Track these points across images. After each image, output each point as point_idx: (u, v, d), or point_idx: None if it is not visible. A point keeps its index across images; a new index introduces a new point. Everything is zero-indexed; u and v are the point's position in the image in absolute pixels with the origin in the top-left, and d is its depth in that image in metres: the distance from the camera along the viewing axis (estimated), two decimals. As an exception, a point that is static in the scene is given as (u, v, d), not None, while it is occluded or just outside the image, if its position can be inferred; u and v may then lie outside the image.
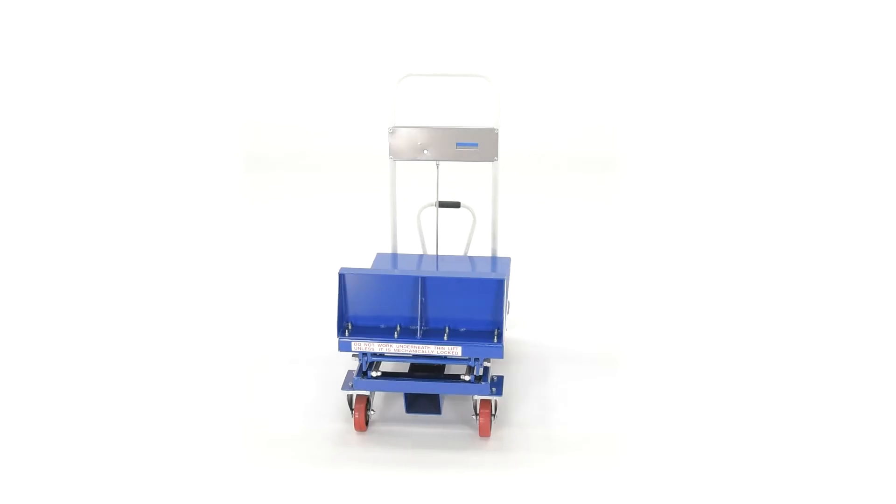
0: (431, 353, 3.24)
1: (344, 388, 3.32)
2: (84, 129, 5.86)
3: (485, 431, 3.31)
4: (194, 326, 4.17)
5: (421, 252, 3.99)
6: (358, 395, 3.31)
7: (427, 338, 3.23)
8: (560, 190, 5.86)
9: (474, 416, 3.35)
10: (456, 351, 3.20)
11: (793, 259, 4.81)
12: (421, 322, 3.24)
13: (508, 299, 3.78)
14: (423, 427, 3.43)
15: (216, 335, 4.12)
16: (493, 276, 3.19)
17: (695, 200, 5.68)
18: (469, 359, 3.24)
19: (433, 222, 4.04)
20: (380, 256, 3.94)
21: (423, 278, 3.19)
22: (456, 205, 3.85)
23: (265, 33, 6.87)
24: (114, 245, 4.92)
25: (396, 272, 3.27)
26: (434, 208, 3.98)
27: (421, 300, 3.21)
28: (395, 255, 3.94)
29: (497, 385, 3.32)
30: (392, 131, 3.72)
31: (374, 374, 3.30)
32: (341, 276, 3.21)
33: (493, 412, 3.34)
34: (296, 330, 4.14)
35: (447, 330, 3.24)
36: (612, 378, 3.80)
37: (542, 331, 4.02)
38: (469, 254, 3.99)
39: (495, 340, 3.19)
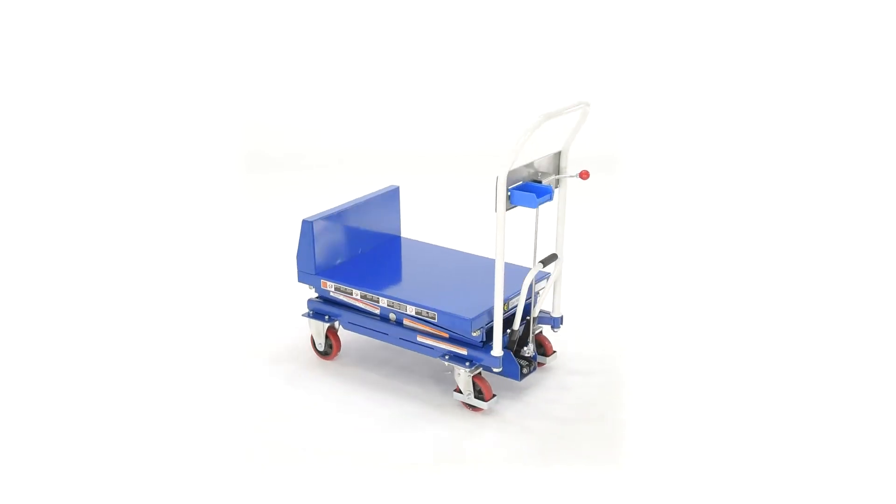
0: None
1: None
2: (86, 129, 5.89)
3: None
4: (196, 325, 4.20)
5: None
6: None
7: None
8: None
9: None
10: None
11: (793, 259, 4.82)
12: None
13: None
14: (418, 423, 3.46)
15: (217, 334, 4.14)
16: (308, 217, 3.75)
17: (695, 201, 5.70)
18: None
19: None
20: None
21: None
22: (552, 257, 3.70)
23: (266, 34, 6.90)
24: (116, 244, 4.95)
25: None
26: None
27: None
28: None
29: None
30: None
31: None
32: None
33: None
34: (297, 329, 4.16)
35: None
36: (611, 377, 3.81)
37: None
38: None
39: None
